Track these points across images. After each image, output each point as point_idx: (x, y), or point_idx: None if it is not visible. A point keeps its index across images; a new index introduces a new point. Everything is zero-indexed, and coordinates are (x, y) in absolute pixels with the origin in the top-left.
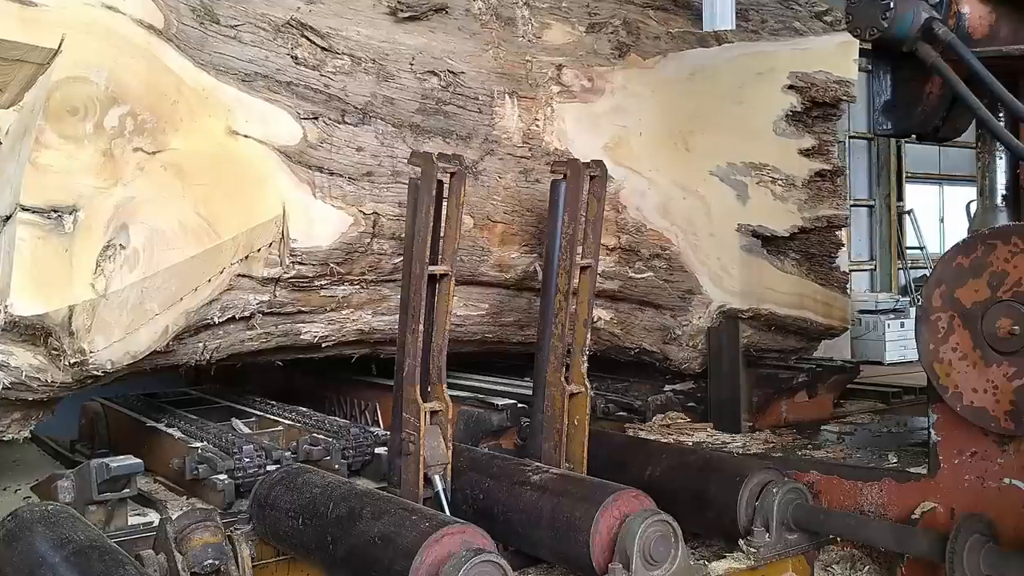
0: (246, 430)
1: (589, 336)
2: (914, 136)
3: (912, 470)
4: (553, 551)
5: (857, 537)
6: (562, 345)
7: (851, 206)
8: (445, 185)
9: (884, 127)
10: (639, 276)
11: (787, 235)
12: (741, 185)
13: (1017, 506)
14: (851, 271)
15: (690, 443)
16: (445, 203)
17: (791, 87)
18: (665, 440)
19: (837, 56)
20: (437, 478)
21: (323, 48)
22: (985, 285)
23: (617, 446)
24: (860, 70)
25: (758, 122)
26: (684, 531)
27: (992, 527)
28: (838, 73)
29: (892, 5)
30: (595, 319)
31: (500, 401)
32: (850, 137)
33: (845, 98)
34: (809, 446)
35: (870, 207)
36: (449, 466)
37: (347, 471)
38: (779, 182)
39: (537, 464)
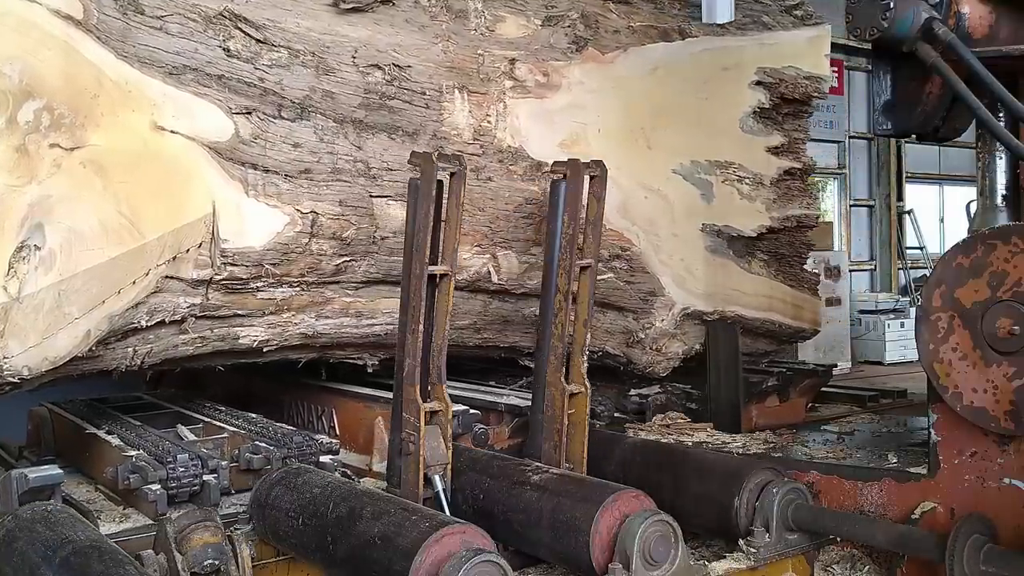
0: (191, 437)
1: (589, 336)
2: (914, 136)
3: (912, 470)
4: (553, 551)
5: (857, 537)
6: (562, 345)
7: (851, 206)
8: (445, 185)
9: (884, 127)
10: (599, 277)
11: (754, 235)
12: (706, 184)
13: (1017, 506)
14: (851, 271)
15: (690, 443)
16: (445, 203)
17: (759, 83)
18: (665, 440)
19: (807, 51)
20: (437, 478)
21: (258, 40)
22: (985, 285)
23: (617, 446)
24: (860, 70)
25: (724, 119)
26: (684, 531)
27: (992, 527)
28: (808, 69)
29: (892, 5)
30: None
31: (452, 407)
32: (850, 137)
33: (816, 94)
34: (809, 446)
35: (870, 207)
36: (449, 466)
37: None
38: (746, 181)
39: (537, 464)
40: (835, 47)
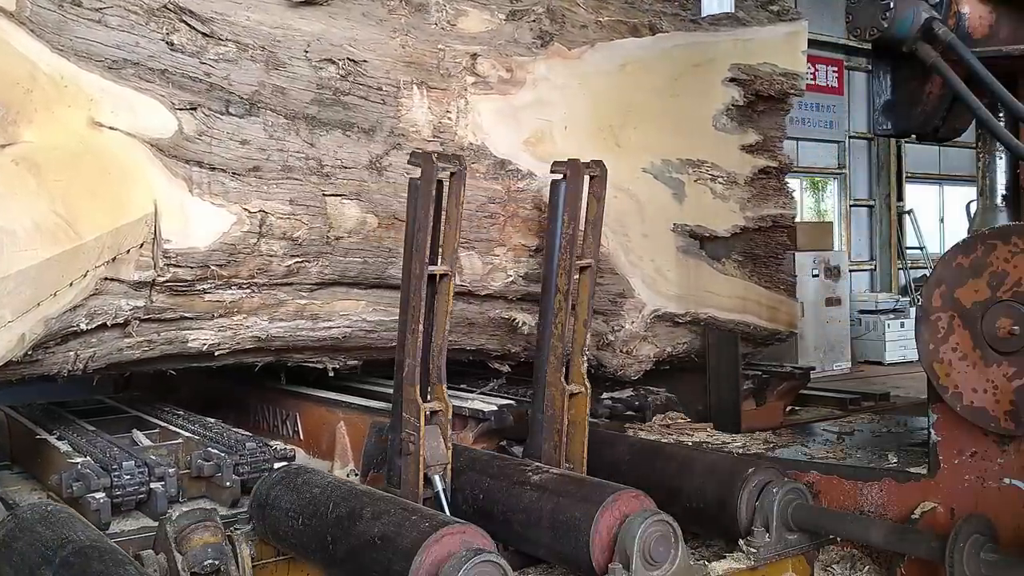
0: (146, 442)
1: (588, 336)
2: (914, 136)
3: (912, 470)
4: (553, 551)
5: (857, 537)
6: (562, 345)
7: (851, 206)
8: (445, 185)
9: (884, 127)
10: None
11: (728, 235)
12: (677, 183)
13: (1017, 506)
14: (851, 271)
15: (690, 443)
16: (445, 203)
17: (732, 80)
18: (665, 440)
19: (783, 47)
20: (437, 478)
21: (204, 34)
22: (985, 285)
23: (617, 446)
24: (860, 70)
25: (696, 117)
26: (684, 531)
27: (992, 527)
28: (784, 65)
29: (892, 5)
30: (521, 324)
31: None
32: (850, 137)
33: (792, 92)
34: (809, 446)
35: (870, 207)
36: (449, 466)
37: (240, 488)
38: (719, 180)
39: (537, 464)
40: (835, 47)
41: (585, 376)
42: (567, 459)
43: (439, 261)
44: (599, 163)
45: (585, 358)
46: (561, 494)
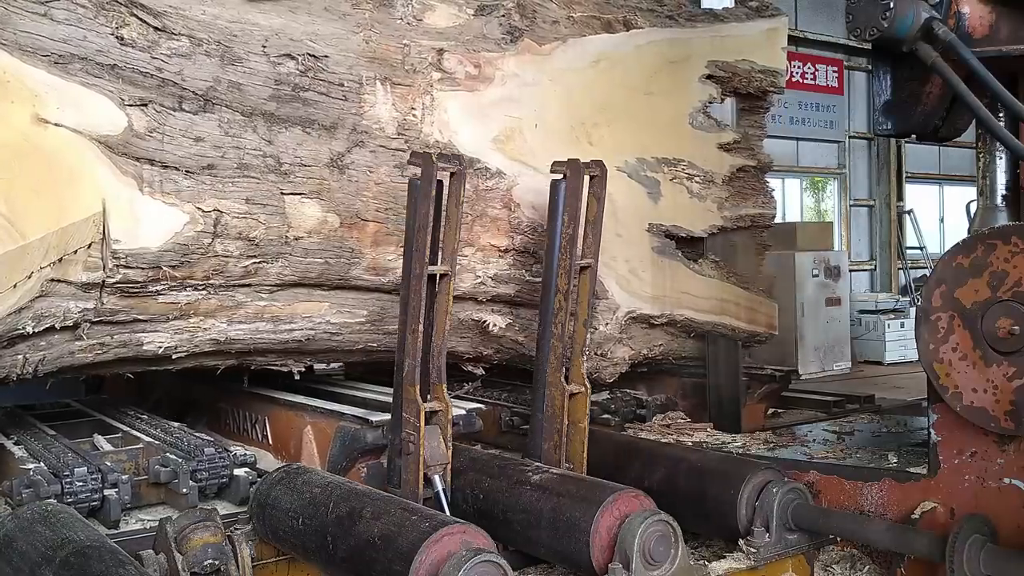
0: (108, 447)
1: (589, 336)
2: (914, 136)
3: (912, 470)
4: (553, 551)
5: (857, 537)
6: (561, 345)
7: (851, 206)
8: (445, 185)
9: (884, 127)
10: (537, 279)
11: (705, 235)
12: (652, 182)
13: (1017, 506)
14: (851, 271)
15: (690, 443)
16: (445, 203)
17: (710, 77)
18: (665, 440)
19: (763, 44)
20: (437, 478)
21: (156, 28)
22: (985, 285)
23: (617, 446)
24: (860, 70)
25: (672, 114)
26: (684, 531)
27: (992, 527)
28: (763, 62)
29: (892, 5)
30: (492, 326)
31: (375, 417)
32: (850, 137)
33: (772, 89)
34: (809, 446)
35: (870, 207)
36: (449, 466)
37: (198, 495)
38: (696, 179)
39: (537, 464)
40: (835, 47)
41: (585, 376)
42: (567, 459)
43: (439, 261)
44: (599, 163)
45: (585, 358)
46: (561, 494)
